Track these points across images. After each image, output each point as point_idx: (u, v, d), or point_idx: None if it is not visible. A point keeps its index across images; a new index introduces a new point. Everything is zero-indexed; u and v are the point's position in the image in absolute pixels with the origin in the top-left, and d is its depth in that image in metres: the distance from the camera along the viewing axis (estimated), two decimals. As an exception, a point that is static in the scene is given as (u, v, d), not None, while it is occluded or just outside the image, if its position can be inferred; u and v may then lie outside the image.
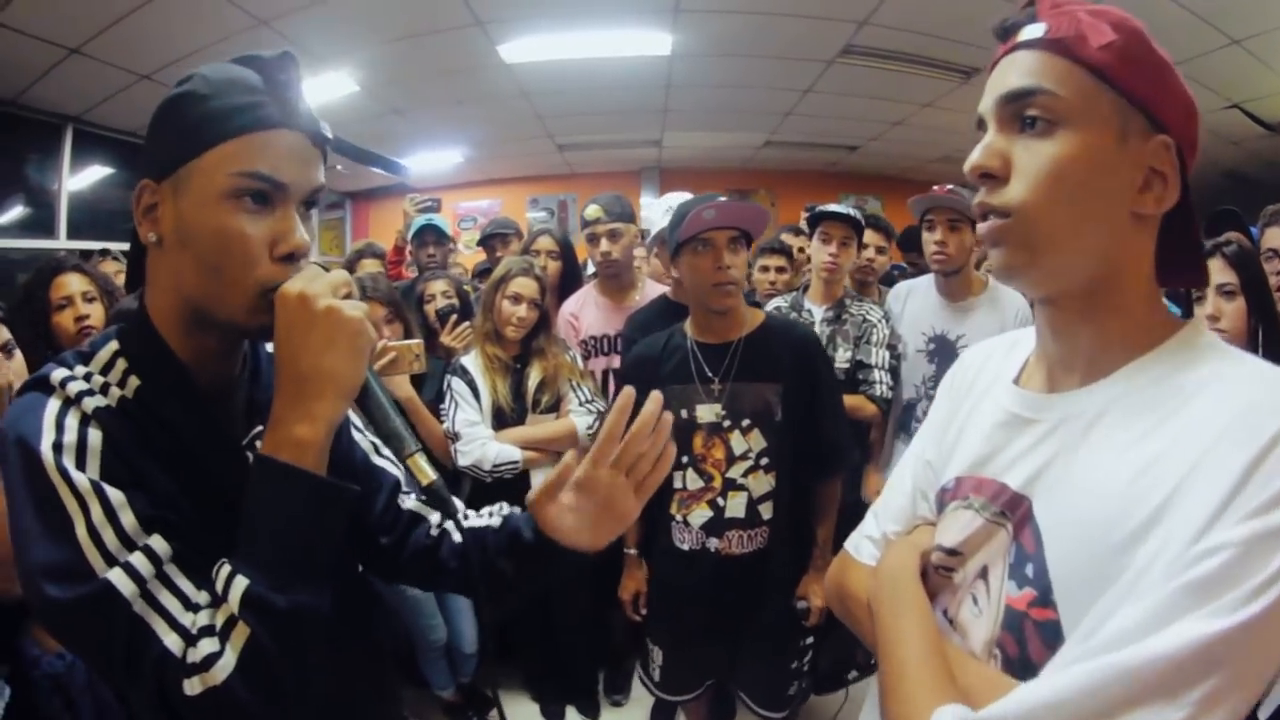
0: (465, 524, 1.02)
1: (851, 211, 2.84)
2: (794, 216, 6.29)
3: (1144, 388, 0.69)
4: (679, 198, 2.48)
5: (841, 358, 2.72)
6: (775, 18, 4.42)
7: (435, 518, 1.03)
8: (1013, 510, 0.75)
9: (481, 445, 2.45)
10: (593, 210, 2.76)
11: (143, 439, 0.79)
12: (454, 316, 2.82)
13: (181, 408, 0.83)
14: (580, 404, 2.57)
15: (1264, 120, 5.78)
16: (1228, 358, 0.68)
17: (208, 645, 0.71)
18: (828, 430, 2.01)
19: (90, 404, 0.77)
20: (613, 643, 3.10)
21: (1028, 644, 0.70)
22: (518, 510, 1.03)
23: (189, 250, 0.79)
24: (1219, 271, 1.75)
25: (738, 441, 1.95)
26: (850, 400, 2.68)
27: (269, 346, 0.84)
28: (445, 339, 2.79)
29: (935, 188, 2.58)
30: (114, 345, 0.85)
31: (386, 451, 1.07)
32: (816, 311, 2.82)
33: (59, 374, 0.79)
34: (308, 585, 0.74)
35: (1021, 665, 0.71)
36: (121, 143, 5.54)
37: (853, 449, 2.11)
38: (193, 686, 0.69)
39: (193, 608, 0.73)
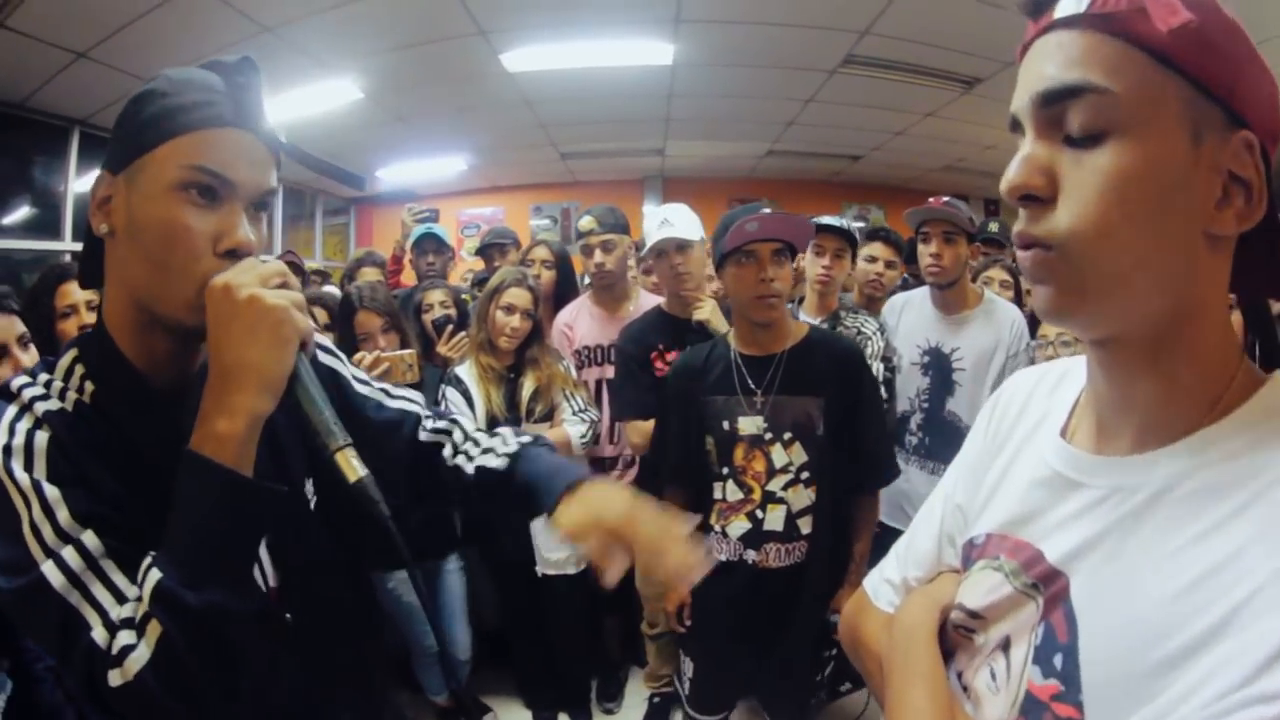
0: (474, 461, 1.03)
1: (843, 224, 2.84)
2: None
3: (1217, 464, 0.55)
4: (671, 210, 2.49)
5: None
6: (777, 28, 4.45)
7: (448, 449, 1.05)
8: (1046, 585, 0.63)
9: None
10: (586, 222, 2.78)
11: (93, 441, 0.80)
12: (450, 326, 2.84)
13: (132, 410, 0.85)
14: (574, 413, 2.58)
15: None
16: None
17: (125, 637, 0.72)
18: (868, 444, 1.99)
19: (41, 408, 0.80)
20: (606, 650, 3.10)
21: None
22: (528, 450, 1.03)
23: (137, 243, 0.80)
24: None
25: (778, 454, 1.94)
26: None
27: None
28: (441, 349, 2.82)
29: (931, 199, 2.59)
30: (74, 352, 0.87)
31: (403, 391, 1.09)
32: (812, 324, 2.83)
33: (18, 382, 0.82)
34: (221, 584, 0.74)
35: None
36: (129, 146, 5.61)
37: (893, 465, 2.08)
38: (114, 678, 0.71)
39: (124, 601, 0.74)
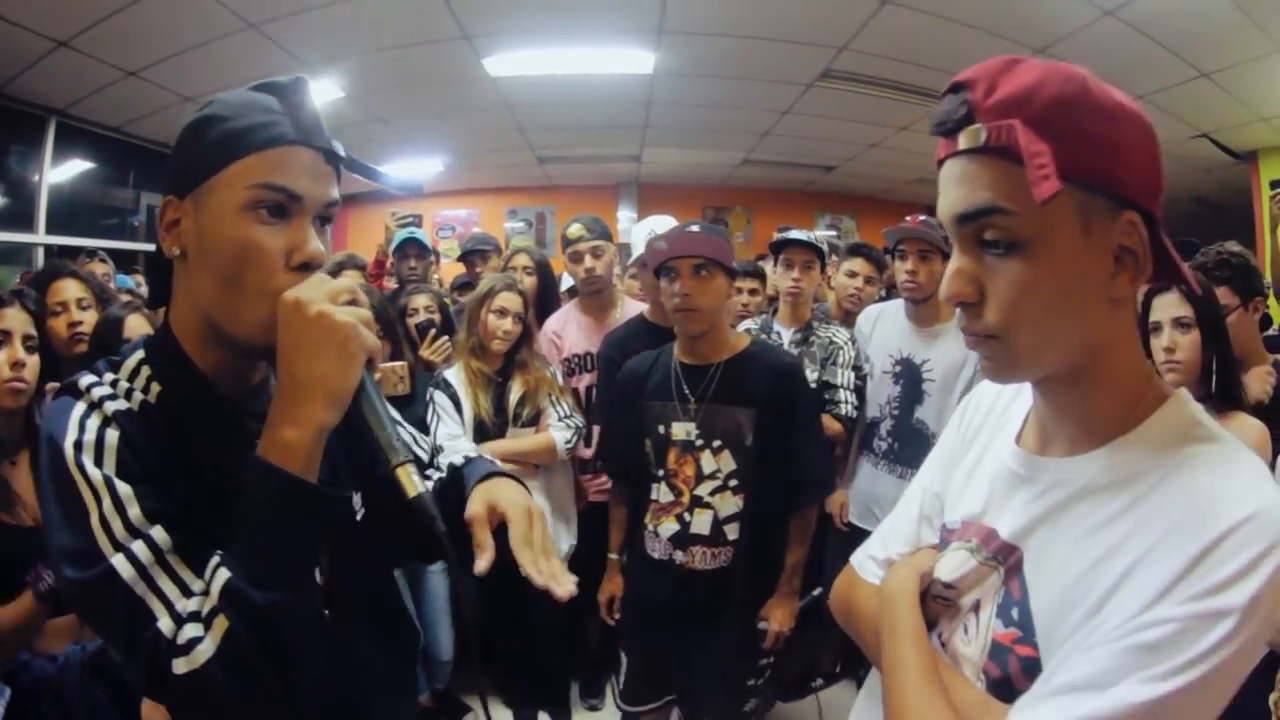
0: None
1: (810, 237, 2.93)
2: (770, 234, 6.42)
3: (1125, 465, 0.72)
4: (661, 221, 2.56)
5: (809, 378, 2.82)
6: (758, 41, 4.54)
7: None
8: (1004, 557, 0.80)
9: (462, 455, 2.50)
10: (575, 229, 2.85)
11: (159, 440, 0.83)
12: (433, 331, 2.89)
13: (199, 412, 0.88)
14: (559, 419, 2.63)
15: (1231, 149, 6.03)
16: (1204, 438, 0.72)
17: (192, 630, 0.74)
18: (802, 460, 2.06)
19: (111, 407, 0.82)
20: (588, 649, 3.16)
21: (1010, 672, 0.77)
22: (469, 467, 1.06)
23: (208, 263, 0.84)
24: (1175, 305, 1.83)
25: (708, 461, 2.02)
26: (817, 419, 2.79)
27: None
28: (424, 352, 2.88)
29: (908, 219, 2.68)
30: (140, 355, 0.90)
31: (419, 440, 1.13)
32: (785, 334, 2.92)
33: (86, 380, 0.85)
34: (286, 584, 0.77)
35: (1005, 687, 0.77)
36: (105, 138, 5.54)
37: (829, 482, 2.15)
38: (179, 666, 0.73)
39: (189, 595, 0.77)
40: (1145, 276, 0.71)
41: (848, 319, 3.08)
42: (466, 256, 3.86)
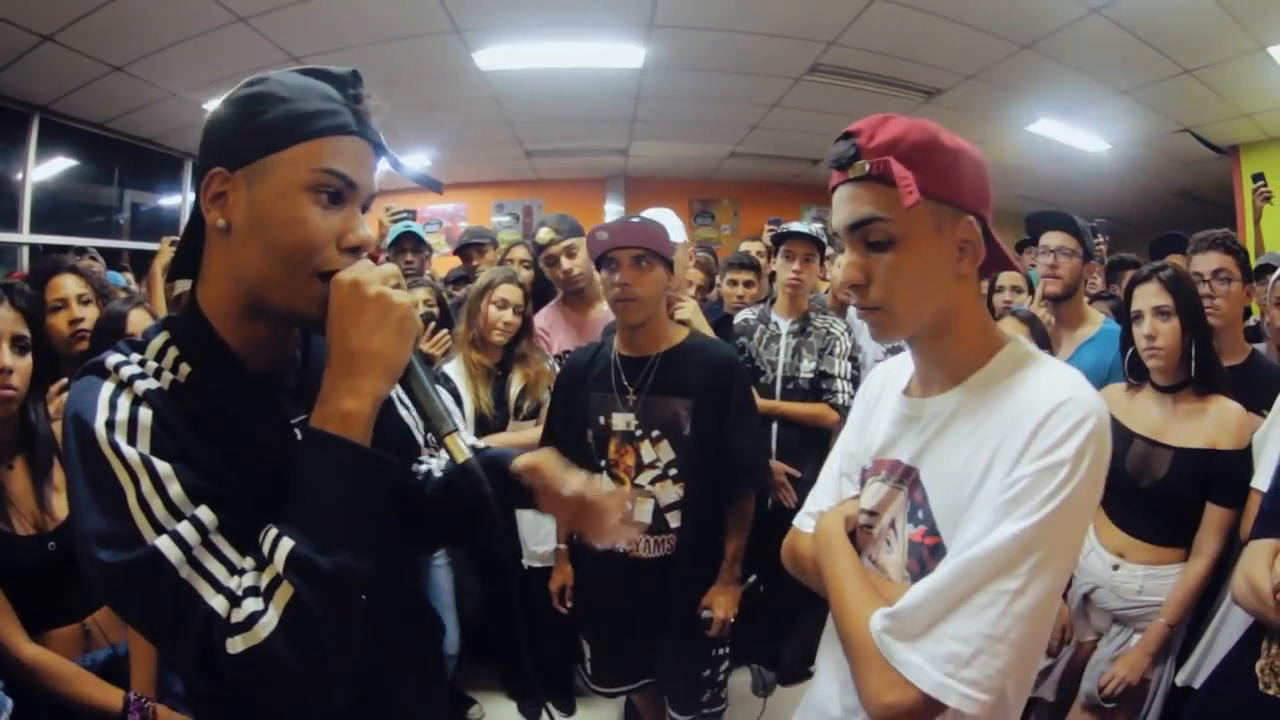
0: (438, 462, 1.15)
1: (812, 230, 2.97)
2: (756, 226, 6.44)
3: (979, 391, 0.99)
4: (654, 214, 2.57)
5: (806, 368, 2.86)
6: (747, 35, 4.56)
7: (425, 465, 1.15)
8: (906, 477, 1.05)
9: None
10: (544, 233, 2.85)
11: (192, 419, 0.84)
12: (432, 324, 2.90)
13: (231, 390, 0.89)
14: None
15: (1213, 144, 6.13)
16: (1033, 364, 0.98)
17: (251, 604, 0.75)
18: (737, 450, 2.10)
19: (141, 386, 0.83)
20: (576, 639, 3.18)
21: (925, 563, 0.99)
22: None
23: (260, 237, 0.85)
24: (1155, 294, 1.93)
25: (647, 451, 2.07)
26: (813, 408, 2.83)
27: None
28: (423, 345, 2.88)
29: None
30: (165, 335, 0.91)
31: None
32: (783, 324, 2.95)
33: (113, 359, 0.85)
34: (350, 548, 0.79)
35: (923, 575, 0.96)
36: (89, 134, 5.48)
37: (763, 471, 2.21)
38: (235, 645, 0.73)
39: (238, 573, 0.77)
40: (980, 259, 0.99)
41: (843, 311, 3.12)
42: (462, 250, 3.86)
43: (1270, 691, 1.35)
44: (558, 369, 2.77)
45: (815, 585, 1.14)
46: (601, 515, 1.07)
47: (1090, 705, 1.97)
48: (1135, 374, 2.03)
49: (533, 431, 2.61)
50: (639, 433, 2.07)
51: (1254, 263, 4.03)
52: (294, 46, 4.47)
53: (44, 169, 5.27)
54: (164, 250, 3.01)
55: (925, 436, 1.03)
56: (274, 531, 0.79)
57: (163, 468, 0.78)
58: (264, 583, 0.76)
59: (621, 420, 2.08)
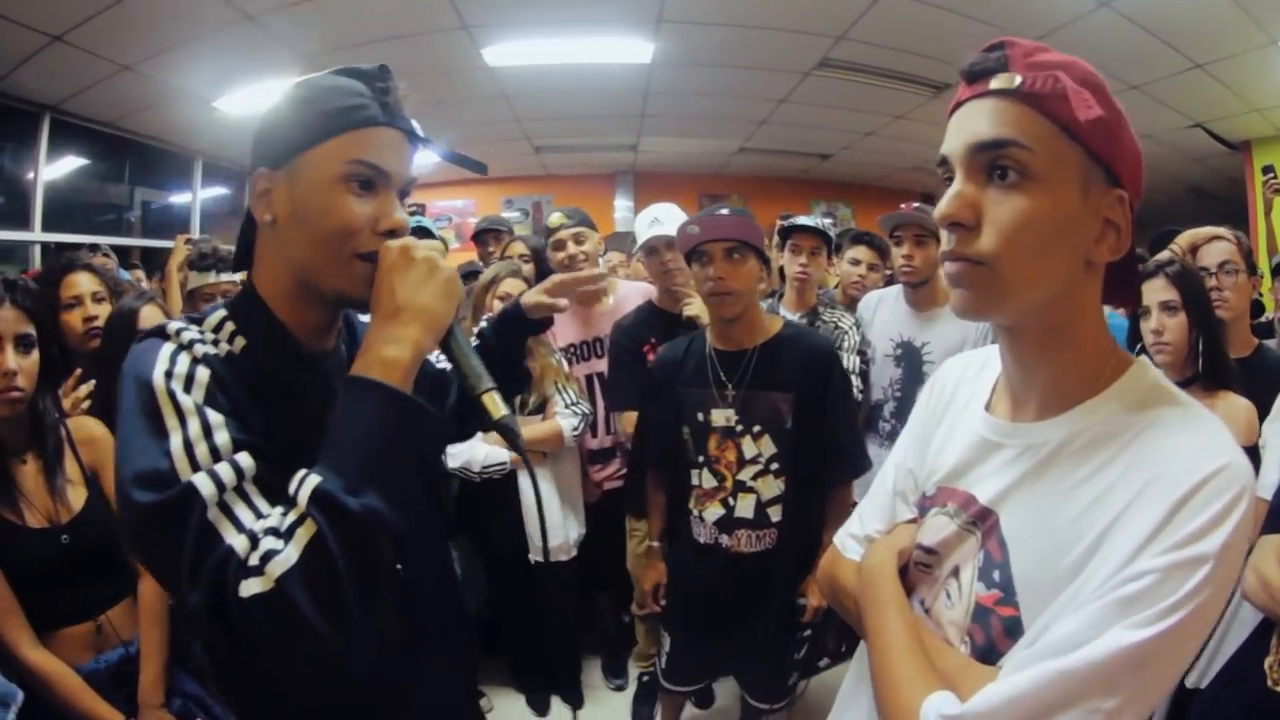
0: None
1: (819, 224, 2.96)
2: (765, 221, 6.41)
3: (1095, 426, 0.77)
4: (664, 209, 2.58)
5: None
6: (756, 30, 4.55)
7: None
8: (981, 521, 0.84)
9: (470, 448, 2.54)
10: (556, 218, 2.89)
11: (245, 385, 0.90)
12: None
13: (282, 362, 0.95)
14: (565, 406, 2.65)
15: (1224, 139, 6.09)
16: (1168, 401, 0.77)
17: (269, 543, 0.74)
18: (837, 439, 2.08)
19: (200, 350, 0.89)
20: (604, 629, 3.20)
21: (993, 634, 0.81)
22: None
23: (303, 226, 0.92)
24: (1162, 289, 1.92)
25: (749, 446, 2.04)
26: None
27: (365, 318, 0.94)
28: None
29: (903, 205, 2.71)
30: (222, 313, 0.97)
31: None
32: (791, 318, 2.94)
33: (174, 325, 0.91)
34: (382, 492, 0.78)
35: (988, 650, 0.81)
36: (99, 133, 5.49)
37: (863, 458, 2.16)
38: (248, 588, 0.72)
39: (263, 518, 0.78)
40: (1122, 250, 0.78)
41: (852, 306, 3.11)
42: (479, 236, 3.90)
43: (1279, 689, 1.32)
44: (564, 362, 2.78)
45: (854, 624, 0.99)
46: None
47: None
48: None
49: (539, 425, 2.62)
50: (740, 428, 2.04)
51: (1265, 256, 4.02)
52: (303, 44, 4.47)
53: (55, 168, 5.28)
54: (179, 249, 3.04)
55: (1014, 474, 0.82)
56: (303, 472, 0.79)
57: (214, 416, 0.83)
58: (287, 523, 0.76)
59: (721, 416, 2.05)
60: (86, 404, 1.87)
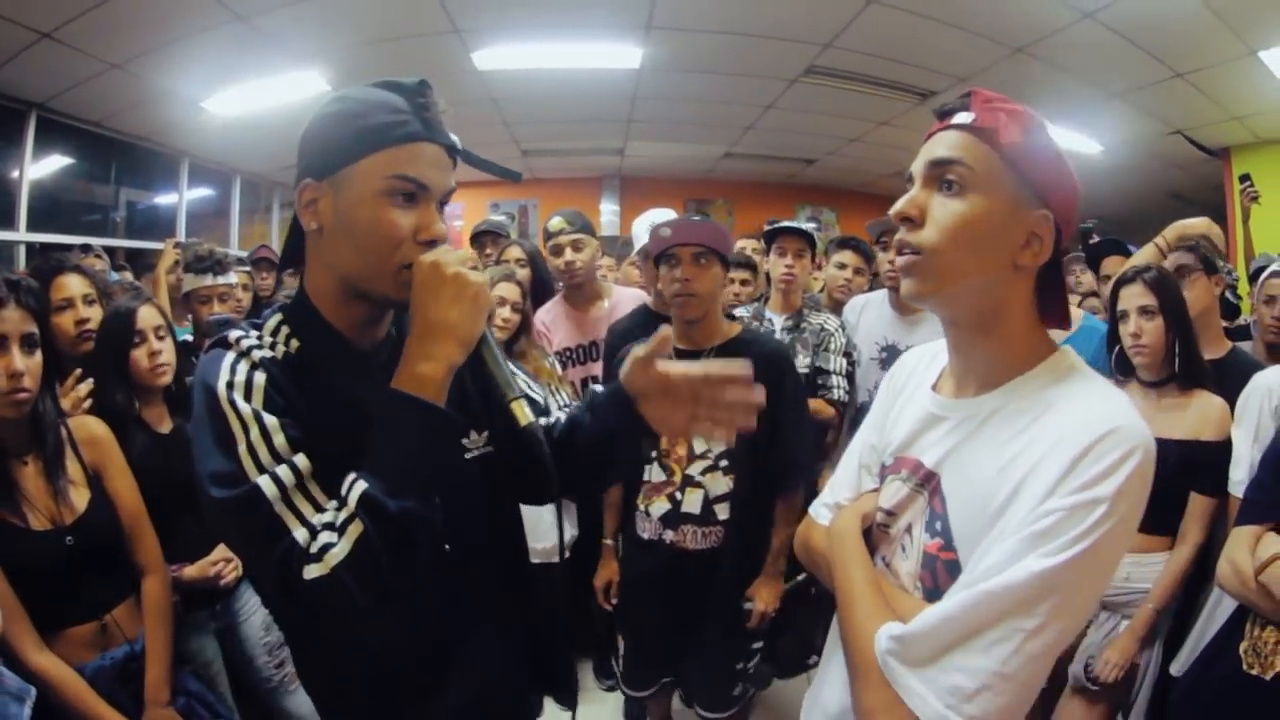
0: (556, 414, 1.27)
1: (805, 227, 3.01)
2: (751, 226, 6.49)
3: (1019, 399, 0.92)
4: (659, 214, 2.62)
5: (801, 364, 2.89)
6: (744, 37, 4.61)
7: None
8: (928, 482, 0.99)
9: None
10: (556, 222, 2.91)
11: (299, 383, 0.98)
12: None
13: (334, 361, 1.03)
14: (559, 408, 2.66)
15: (1205, 146, 6.22)
16: (1081, 380, 0.92)
17: (326, 537, 0.86)
18: (789, 448, 2.13)
19: (258, 355, 0.97)
20: (595, 632, 3.22)
21: (938, 577, 0.95)
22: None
23: (348, 236, 0.97)
24: (1140, 295, 2.02)
25: (699, 441, 2.09)
26: (810, 403, 2.86)
27: None
28: None
29: (891, 212, 2.76)
30: (279, 316, 1.05)
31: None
32: (777, 321, 2.98)
33: (235, 334, 1.00)
34: (416, 495, 0.90)
35: (935, 591, 0.94)
36: (86, 132, 5.48)
37: (811, 466, 2.22)
38: (310, 573, 0.84)
39: (321, 511, 0.89)
40: (1043, 258, 0.92)
41: (837, 309, 3.16)
42: (477, 238, 3.92)
43: (1253, 671, 1.42)
44: (558, 366, 2.80)
45: (825, 581, 1.13)
46: (722, 387, 1.07)
47: (1079, 689, 2.03)
48: (1122, 370, 2.10)
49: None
50: None
51: (1242, 262, 4.11)
52: (294, 46, 4.50)
53: (40, 166, 5.27)
54: (168, 252, 3.02)
55: (952, 441, 0.98)
56: (353, 476, 0.90)
57: (270, 421, 0.91)
58: (340, 519, 0.88)
59: None
60: (87, 404, 1.86)
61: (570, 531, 2.76)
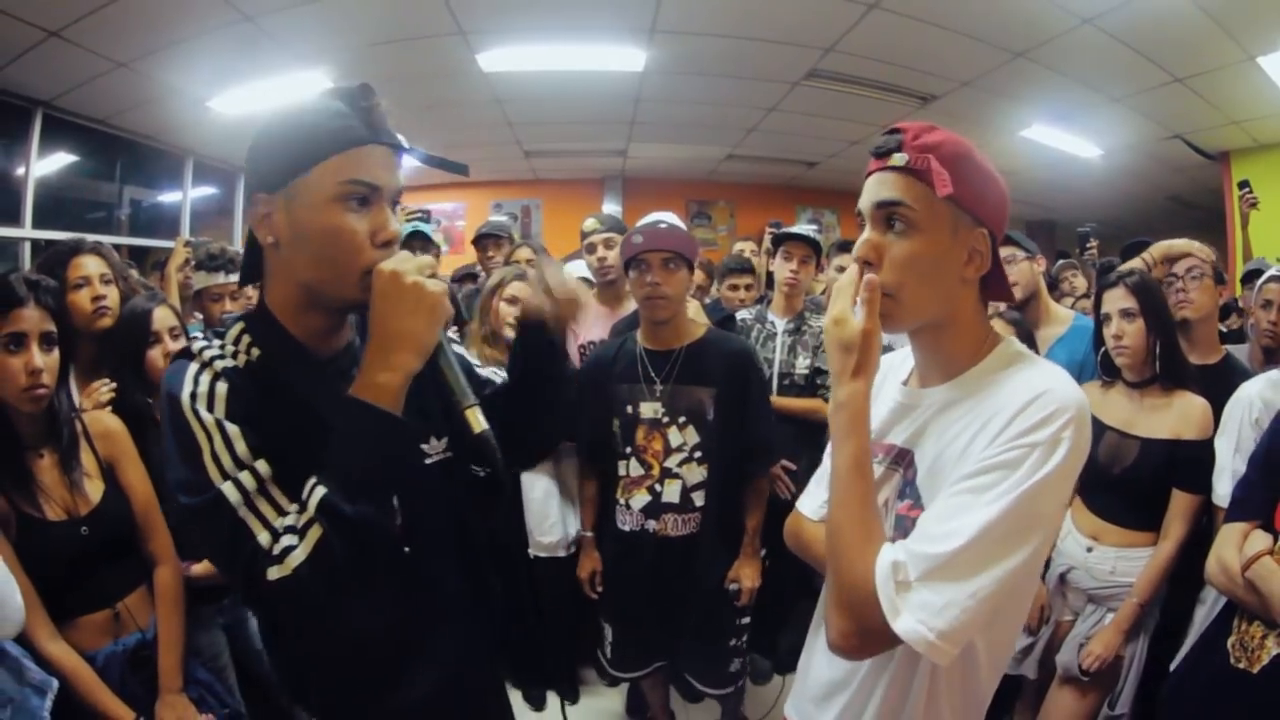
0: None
1: (811, 233, 3.05)
2: (752, 227, 6.53)
3: (972, 384, 1.07)
4: (661, 217, 2.64)
5: (801, 365, 2.94)
6: (747, 41, 4.64)
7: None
8: (901, 460, 1.13)
9: None
10: (591, 223, 3.05)
11: (260, 391, 1.00)
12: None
13: (293, 370, 1.05)
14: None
15: (1203, 150, 6.26)
16: (1023, 362, 1.06)
17: (288, 540, 0.90)
18: (755, 433, 2.28)
19: (220, 365, 1.00)
20: (599, 627, 3.25)
21: (909, 535, 1.04)
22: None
23: (306, 246, 0.99)
24: (1122, 298, 2.10)
25: (674, 436, 2.24)
26: (809, 403, 2.91)
27: None
28: None
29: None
30: (240, 325, 1.07)
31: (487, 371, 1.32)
32: (779, 323, 3.02)
33: (198, 345, 1.03)
34: (372, 500, 0.93)
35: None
36: (92, 130, 5.49)
37: (775, 452, 2.43)
38: (272, 574, 0.88)
39: (283, 514, 0.92)
40: (984, 270, 1.06)
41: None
42: (479, 241, 3.96)
43: (1240, 665, 1.47)
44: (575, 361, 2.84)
45: (815, 564, 1.21)
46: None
47: (1068, 679, 2.09)
48: (1108, 371, 2.18)
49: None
50: (666, 419, 2.24)
51: (1240, 266, 4.15)
52: (300, 46, 4.51)
53: (46, 164, 5.27)
54: (179, 251, 3.05)
55: (919, 423, 1.11)
56: (312, 481, 0.93)
57: (232, 429, 0.95)
58: (301, 523, 0.91)
59: (649, 409, 2.25)
60: (109, 407, 1.89)
61: (576, 526, 2.79)
